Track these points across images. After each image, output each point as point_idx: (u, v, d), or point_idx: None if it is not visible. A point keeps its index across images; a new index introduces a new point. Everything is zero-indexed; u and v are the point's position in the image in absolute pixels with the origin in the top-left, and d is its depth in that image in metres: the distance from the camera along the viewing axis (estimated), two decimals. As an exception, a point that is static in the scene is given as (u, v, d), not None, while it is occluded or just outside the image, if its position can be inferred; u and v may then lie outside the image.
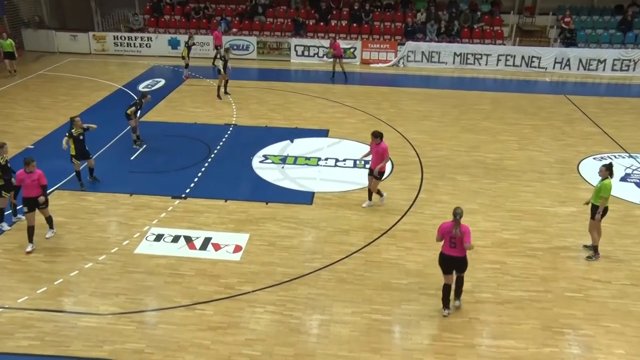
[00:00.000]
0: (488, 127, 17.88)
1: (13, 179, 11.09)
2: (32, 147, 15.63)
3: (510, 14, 27.35)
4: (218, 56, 24.23)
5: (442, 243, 8.84)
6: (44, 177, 10.69)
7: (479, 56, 25.34)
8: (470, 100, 20.70)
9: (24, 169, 10.56)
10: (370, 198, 12.56)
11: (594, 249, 10.72)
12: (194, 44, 23.41)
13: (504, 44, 26.26)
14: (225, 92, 20.28)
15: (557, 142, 16.74)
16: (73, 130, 12.71)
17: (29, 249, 10.64)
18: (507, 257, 10.75)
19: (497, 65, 25.34)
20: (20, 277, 9.93)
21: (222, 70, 19.70)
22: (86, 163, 13.27)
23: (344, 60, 23.90)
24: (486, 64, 25.38)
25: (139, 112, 15.34)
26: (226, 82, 20.24)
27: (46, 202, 10.81)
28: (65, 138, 12.75)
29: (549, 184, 13.96)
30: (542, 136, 17.17)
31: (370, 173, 12.22)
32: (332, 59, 23.49)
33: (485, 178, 14.14)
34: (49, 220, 11.15)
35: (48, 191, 12.75)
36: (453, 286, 9.05)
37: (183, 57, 22.62)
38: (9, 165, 11.28)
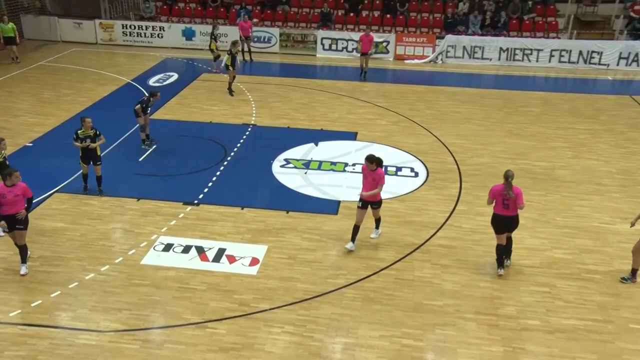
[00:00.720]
0: (537, 131, 17.72)
1: None
2: (30, 144, 15.98)
3: (567, 2, 27.05)
4: (246, 49, 24.64)
5: (492, 205, 10.39)
6: (29, 190, 10.08)
7: (529, 51, 25.14)
8: (517, 102, 20.55)
9: (3, 182, 9.97)
10: (377, 226, 11.81)
11: (633, 272, 10.53)
12: (219, 34, 23.73)
13: (559, 38, 26.03)
14: (230, 89, 20.47)
15: (620, 149, 16.50)
16: (80, 132, 12.74)
17: (23, 271, 10.39)
18: (558, 279, 10.61)
19: (549, 61, 25.12)
20: (13, 288, 10.09)
21: (230, 66, 19.82)
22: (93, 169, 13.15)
23: (372, 56, 23.89)
24: (537, 61, 25.18)
25: (148, 109, 15.54)
26: (233, 78, 20.43)
27: (26, 222, 10.16)
28: (77, 143, 12.75)
29: (609, 197, 13.76)
30: (602, 143, 16.95)
31: (364, 206, 11.15)
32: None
33: (533, 189, 13.99)
34: (23, 250, 10.39)
35: (48, 193, 13.13)
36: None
37: (212, 50, 22.96)
38: (7, 162, 11.47)
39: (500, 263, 10.55)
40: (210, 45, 23.15)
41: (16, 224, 10.09)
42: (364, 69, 22.96)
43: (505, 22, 26.39)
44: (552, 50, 25.05)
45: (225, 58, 20.09)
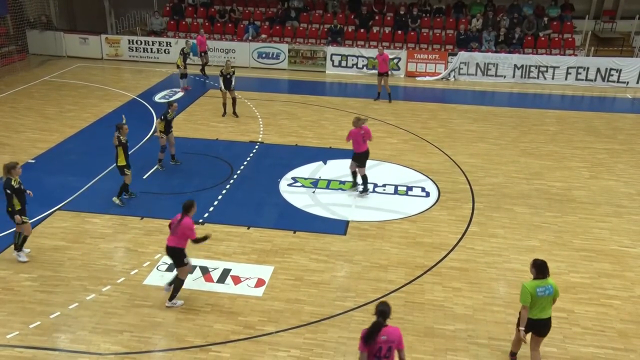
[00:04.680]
0: (553, 151, 17.68)
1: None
2: (33, 161, 16.10)
3: (584, 19, 27.11)
4: (205, 63, 24.68)
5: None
6: None
7: (544, 69, 25.18)
8: (532, 120, 20.54)
9: None
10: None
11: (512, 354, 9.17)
12: (190, 52, 23.41)
13: (576, 55, 26.06)
14: (225, 114, 19.99)
15: None
16: (122, 137, 13.14)
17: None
18: (576, 304, 10.51)
19: (566, 79, 25.15)
20: (11, 309, 10.10)
21: (222, 88, 19.42)
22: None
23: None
24: (553, 78, 25.21)
25: (171, 125, 15.54)
26: (233, 100, 19.89)
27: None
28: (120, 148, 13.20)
29: (628, 219, 13.66)
30: (621, 163, 16.88)
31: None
32: (372, 70, 23.40)
33: (548, 210, 13.94)
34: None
35: (49, 211, 13.19)
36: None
37: (178, 67, 22.76)
38: (22, 187, 11.12)
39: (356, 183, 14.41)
40: (177, 62, 22.77)
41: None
42: (387, 90, 22.22)
43: (520, 39, 26.46)
44: (568, 68, 25.07)
45: (221, 81, 19.41)
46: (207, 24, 28.90)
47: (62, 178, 14.78)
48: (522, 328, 8.33)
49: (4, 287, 10.63)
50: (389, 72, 22.74)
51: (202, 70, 25.21)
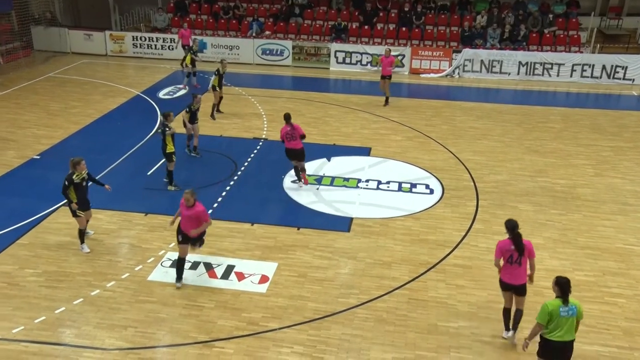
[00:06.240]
0: (558, 148, 17.66)
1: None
2: (38, 157, 16.14)
3: (590, 15, 27.02)
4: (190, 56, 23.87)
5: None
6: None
7: (549, 66, 25.13)
8: (537, 117, 20.51)
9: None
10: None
11: None
12: (198, 50, 23.20)
13: (581, 52, 26.01)
14: (218, 110, 19.75)
15: (645, 168, 16.44)
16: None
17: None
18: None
19: (571, 76, 25.08)
20: (16, 304, 10.15)
21: (217, 86, 19.25)
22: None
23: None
24: (557, 75, 25.15)
25: (196, 117, 16.01)
26: (220, 99, 19.78)
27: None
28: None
29: (634, 217, 13.62)
30: (626, 160, 16.85)
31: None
32: (375, 67, 23.25)
33: (553, 208, 13.92)
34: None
35: (54, 207, 13.24)
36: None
37: (186, 65, 22.65)
38: (84, 183, 11.41)
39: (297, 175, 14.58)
40: (186, 61, 22.67)
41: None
42: (387, 94, 21.35)
43: (525, 36, 26.39)
44: (573, 65, 24.99)
45: (212, 79, 19.36)
46: (211, 20, 28.90)
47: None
48: (528, 340, 7.98)
49: (10, 283, 10.68)
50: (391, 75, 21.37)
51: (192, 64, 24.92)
